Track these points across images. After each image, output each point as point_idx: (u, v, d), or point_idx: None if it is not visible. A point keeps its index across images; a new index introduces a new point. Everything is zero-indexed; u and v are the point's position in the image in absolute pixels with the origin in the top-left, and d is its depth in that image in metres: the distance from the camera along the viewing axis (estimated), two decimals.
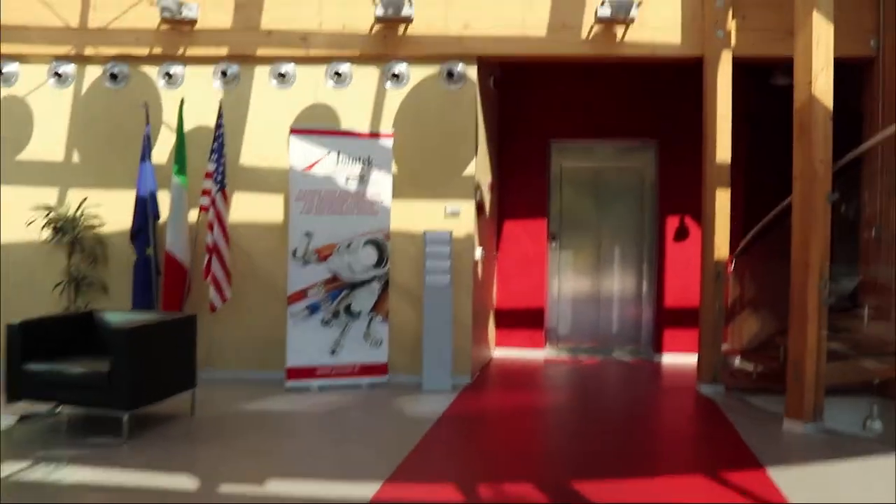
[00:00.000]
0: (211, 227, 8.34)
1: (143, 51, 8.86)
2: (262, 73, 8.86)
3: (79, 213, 8.83)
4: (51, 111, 8.95)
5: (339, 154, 8.35)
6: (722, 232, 8.27)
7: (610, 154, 10.67)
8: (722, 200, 8.23)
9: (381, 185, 8.44)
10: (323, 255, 8.31)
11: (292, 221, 8.26)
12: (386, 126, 8.70)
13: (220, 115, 8.50)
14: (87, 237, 8.80)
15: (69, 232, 8.73)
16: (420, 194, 8.70)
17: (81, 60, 8.99)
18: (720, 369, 8.37)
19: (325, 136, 8.33)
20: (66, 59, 8.98)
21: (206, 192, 8.47)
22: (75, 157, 9.06)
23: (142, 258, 8.49)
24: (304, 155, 8.26)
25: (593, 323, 10.66)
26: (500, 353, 10.49)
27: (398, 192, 8.63)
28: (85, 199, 8.91)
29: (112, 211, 8.80)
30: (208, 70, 8.88)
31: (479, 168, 8.95)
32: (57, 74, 8.99)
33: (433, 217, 8.66)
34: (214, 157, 8.47)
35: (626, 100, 10.28)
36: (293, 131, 8.28)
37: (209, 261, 8.35)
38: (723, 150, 8.22)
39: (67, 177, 9.01)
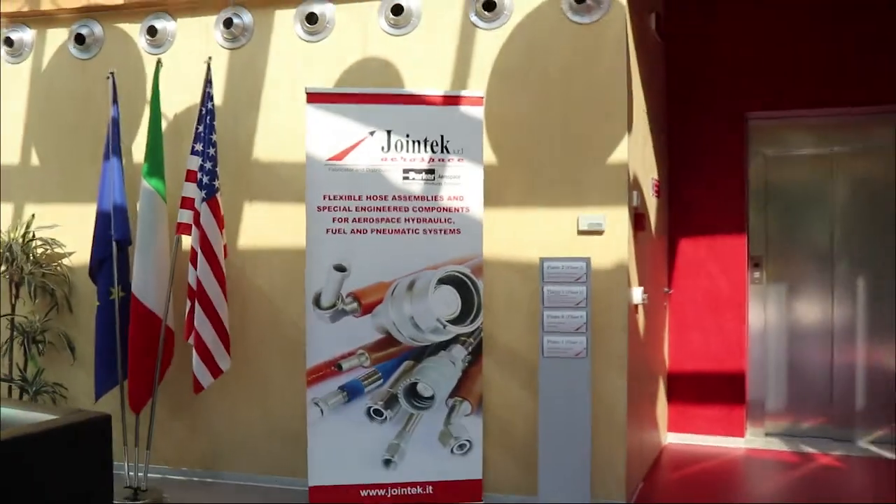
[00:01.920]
0: (194, 259, 5.02)
1: None
2: (283, 19, 5.47)
3: (28, 236, 5.76)
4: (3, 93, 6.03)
5: (390, 134, 4.81)
6: None
7: (847, 133, 6.56)
8: None
9: (465, 184, 4.83)
10: (366, 303, 4.76)
11: (312, 247, 4.76)
12: (474, 86, 5.13)
13: (208, 81, 5.17)
14: (42, 273, 5.71)
15: (14, 265, 5.65)
16: (533, 198, 5.03)
17: (40, 21, 5.97)
18: None
19: (367, 103, 4.81)
20: (18, 18, 5.99)
21: (186, 203, 5.16)
22: (33, 159, 6.01)
23: (104, 304, 5.27)
24: (332, 136, 4.76)
25: (822, 394, 6.50)
26: (675, 440, 6.56)
27: (495, 195, 5.00)
28: (33, 216, 5.83)
29: (81, 233, 5.61)
30: (206, 21, 5.62)
31: (635, 155, 5.19)
32: (8, 42, 6.00)
33: (556, 235, 4.98)
34: (199, 148, 5.14)
35: (873, 44, 6.20)
36: (311, 97, 4.79)
37: (191, 311, 5.00)
38: None
39: (20, 185, 5.97)
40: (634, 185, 5.09)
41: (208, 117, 5.09)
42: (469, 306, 4.78)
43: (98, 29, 5.83)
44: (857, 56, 6.15)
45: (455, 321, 4.77)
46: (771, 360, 6.63)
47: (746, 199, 6.47)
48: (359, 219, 4.75)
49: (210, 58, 5.21)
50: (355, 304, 4.73)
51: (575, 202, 4.96)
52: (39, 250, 5.75)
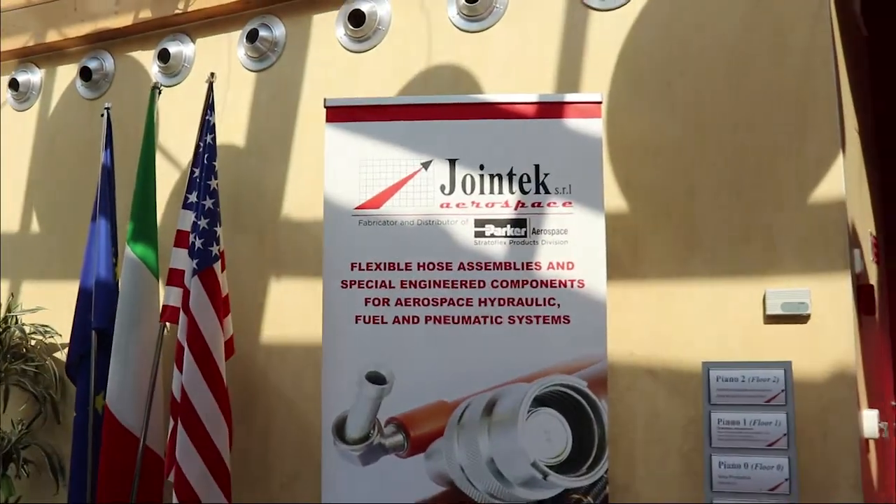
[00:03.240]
0: (180, 358, 3.35)
1: (127, 19, 4.29)
2: (322, 24, 3.84)
3: (10, 320, 4.28)
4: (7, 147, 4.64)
5: (454, 165, 3.00)
6: None
7: None
8: None
9: (575, 243, 2.91)
10: (417, 436, 2.85)
11: (332, 344, 2.94)
12: (588, 90, 3.27)
13: (208, 106, 3.57)
14: (22, 369, 4.16)
15: None
16: (688, 263, 3.04)
17: (51, 58, 4.62)
18: None
19: (418, 119, 3.01)
20: (26, 58, 4.66)
21: (174, 279, 3.49)
22: (33, 224, 4.60)
23: (81, 415, 3.69)
24: (363, 171, 3.00)
25: None
26: None
27: (623, 260, 3.08)
28: (12, 295, 4.35)
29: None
30: (230, 39, 4.07)
31: (852, 192, 3.13)
32: (13, 85, 4.67)
33: (728, 324, 2.95)
34: (193, 199, 3.51)
35: None
36: (332, 114, 3.05)
37: (173, 434, 3.32)
38: None
39: (18, 257, 4.48)
40: (854, 239, 3.05)
41: (206, 156, 3.46)
42: (586, 443, 2.80)
43: (109, 61, 4.39)
44: None
45: (563, 467, 2.79)
46: None
47: None
48: (406, 300, 2.91)
49: (212, 74, 3.62)
50: (400, 437, 2.86)
51: (758, 268, 2.94)
52: (33, 339, 4.29)
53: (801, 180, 2.96)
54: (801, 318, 2.87)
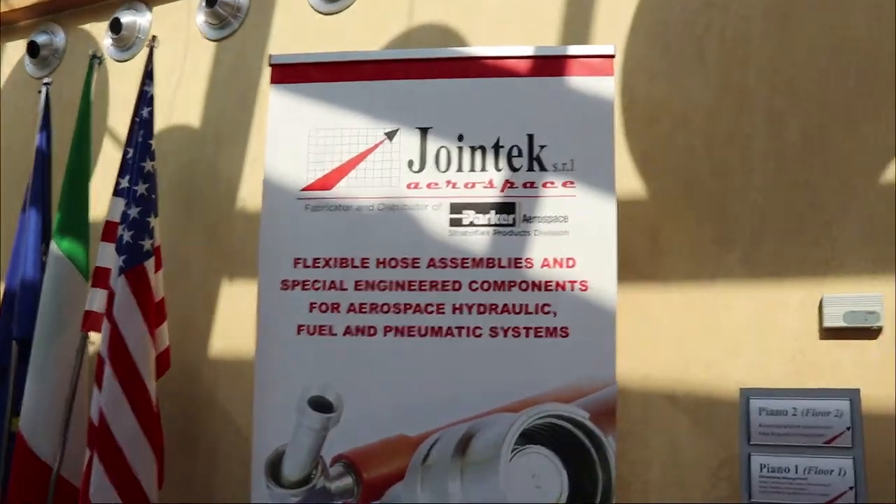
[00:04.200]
0: (99, 376, 2.71)
1: None
2: None
3: None
4: None
5: (425, 135, 2.36)
6: None
7: None
8: None
9: (579, 234, 2.24)
10: (370, 478, 2.21)
11: (268, 360, 2.31)
12: (598, 40, 2.60)
13: (147, 74, 2.98)
14: None
15: None
16: (723, 263, 2.37)
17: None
18: None
19: (381, 79, 2.37)
20: None
21: (99, 279, 2.89)
22: None
23: None
24: (312, 144, 2.40)
25: None
26: None
27: (639, 258, 2.43)
28: None
29: None
30: (188, 6, 3.49)
31: None
32: None
33: (774, 339, 2.29)
34: (125, 184, 2.91)
35: None
36: (277, 73, 2.42)
37: (88, 467, 2.68)
38: None
39: None
40: None
41: (141, 132, 2.86)
42: (586, 489, 2.15)
43: (59, 35, 3.85)
44: None
45: None
46: None
47: None
48: (361, 306, 2.28)
49: (154, 38, 3.03)
50: (349, 480, 2.20)
51: (812, 268, 2.28)
52: None
53: (867, 157, 2.30)
54: (871, 332, 2.20)
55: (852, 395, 2.03)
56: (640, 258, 2.43)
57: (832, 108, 2.36)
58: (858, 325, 2.20)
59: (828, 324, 2.24)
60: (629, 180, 2.49)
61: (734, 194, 2.43)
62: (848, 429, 2.01)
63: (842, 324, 2.22)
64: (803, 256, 2.32)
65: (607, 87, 2.33)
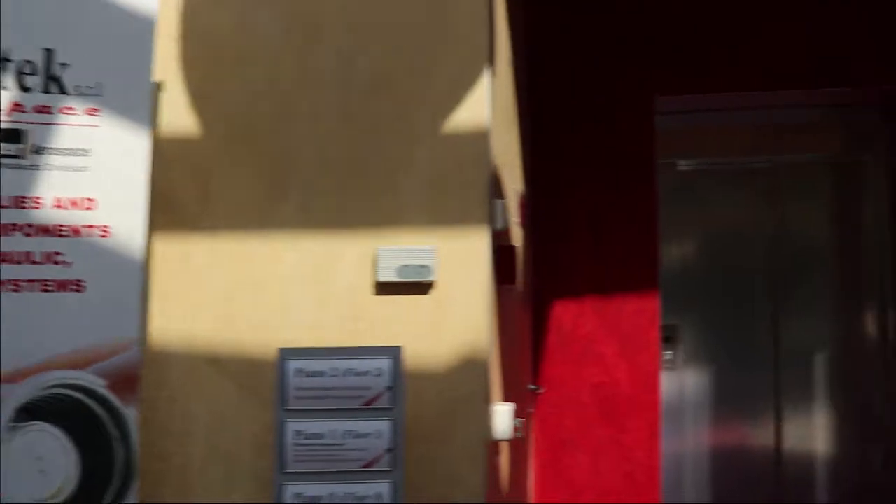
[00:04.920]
0: None
1: None
2: None
3: None
4: None
5: None
6: None
7: (792, 127, 4.09)
8: None
9: (101, 170, 1.88)
10: None
11: None
12: None
13: None
14: None
15: None
16: (273, 211, 2.16)
17: None
18: None
19: None
20: None
21: None
22: None
23: None
24: None
25: None
26: None
27: (188, 207, 2.15)
28: None
29: None
30: None
31: (499, 135, 2.47)
32: None
33: (322, 294, 2.14)
34: None
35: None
36: None
37: None
38: None
39: None
40: (498, 187, 2.40)
41: None
42: (102, 468, 1.87)
43: None
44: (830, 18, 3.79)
45: None
46: (690, 492, 4.07)
47: (657, 235, 3.94)
48: None
49: None
50: None
51: (370, 219, 2.19)
52: None
53: (434, 104, 2.22)
54: (422, 287, 2.15)
55: (394, 354, 1.94)
56: (187, 205, 2.13)
57: (402, 52, 2.25)
58: (411, 280, 2.13)
59: (382, 278, 2.14)
60: (180, 117, 2.18)
61: (297, 139, 2.22)
62: (388, 388, 1.92)
63: (395, 278, 2.13)
64: (364, 208, 2.20)
65: (149, 1, 2.00)
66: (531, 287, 3.66)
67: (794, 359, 3.97)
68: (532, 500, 3.69)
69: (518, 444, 2.83)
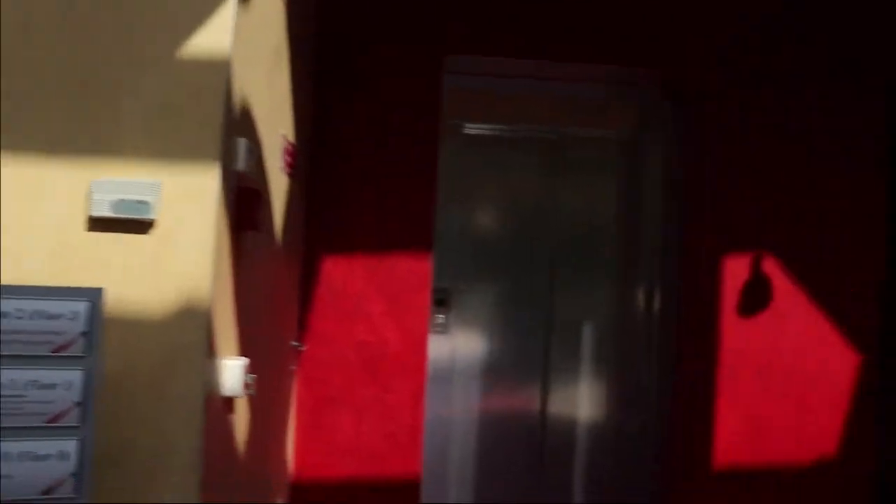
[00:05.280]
0: None
1: None
2: None
3: None
4: None
5: None
6: None
7: (581, 102, 4.19)
8: None
9: None
10: None
11: None
12: None
13: None
14: None
15: None
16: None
17: None
18: None
19: None
20: None
21: None
22: None
23: None
24: None
25: (527, 484, 4.11)
26: None
27: None
28: None
29: None
30: None
31: (253, 69, 2.23)
32: None
33: (39, 226, 1.88)
34: None
35: None
36: None
37: None
38: None
39: None
40: (245, 125, 2.21)
41: None
42: None
43: None
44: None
45: None
46: (455, 455, 4.12)
47: (435, 198, 3.89)
48: None
49: None
50: None
51: (92, 151, 1.92)
52: None
53: (169, 25, 1.97)
54: (141, 226, 1.94)
55: (93, 296, 1.72)
56: None
57: None
58: (128, 217, 1.90)
59: (96, 213, 1.90)
60: None
61: (6, 51, 1.91)
62: (83, 335, 1.71)
63: (110, 214, 1.90)
64: (81, 134, 1.94)
65: None
66: (302, 240, 3.52)
67: (565, 328, 4.10)
68: (292, 462, 3.58)
69: (267, 403, 2.68)
